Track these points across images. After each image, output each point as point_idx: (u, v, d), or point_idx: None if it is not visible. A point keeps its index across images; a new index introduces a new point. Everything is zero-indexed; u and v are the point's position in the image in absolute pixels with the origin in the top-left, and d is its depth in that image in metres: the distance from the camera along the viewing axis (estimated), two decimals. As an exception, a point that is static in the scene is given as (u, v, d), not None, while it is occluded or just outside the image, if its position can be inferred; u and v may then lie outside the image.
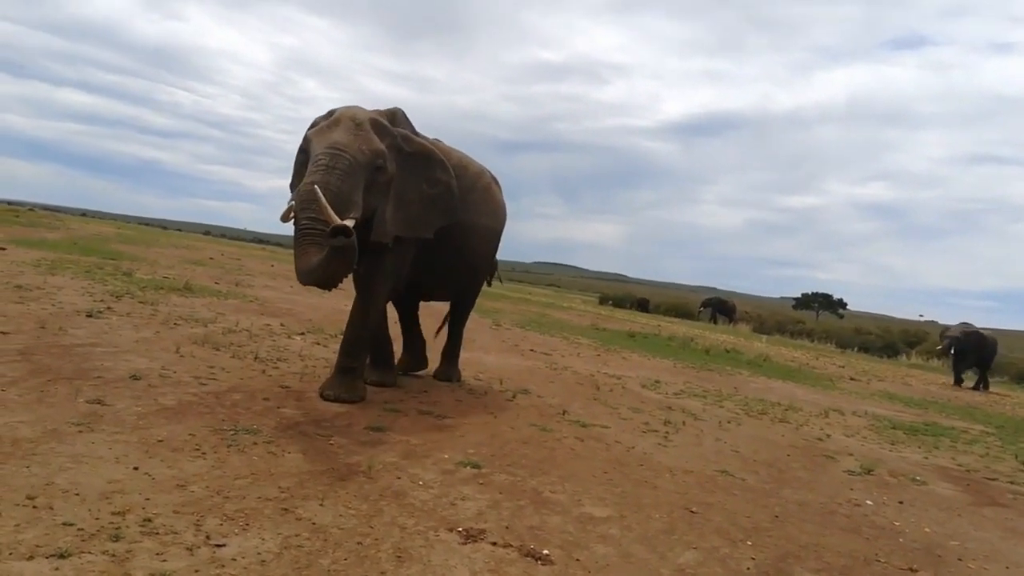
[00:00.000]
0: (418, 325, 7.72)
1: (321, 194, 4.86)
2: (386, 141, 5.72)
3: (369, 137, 5.53)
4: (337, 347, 8.18)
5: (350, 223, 4.94)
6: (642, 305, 42.60)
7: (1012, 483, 6.87)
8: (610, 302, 43.02)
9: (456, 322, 7.85)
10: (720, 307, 38.74)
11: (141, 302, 8.94)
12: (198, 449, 4.04)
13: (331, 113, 5.77)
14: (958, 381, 18.88)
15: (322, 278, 4.99)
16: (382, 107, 6.18)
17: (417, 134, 6.35)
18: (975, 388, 18.55)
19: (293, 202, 5.21)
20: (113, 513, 3.05)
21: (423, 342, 7.71)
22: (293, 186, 5.91)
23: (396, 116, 6.17)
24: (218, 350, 6.87)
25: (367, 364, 6.33)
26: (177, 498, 3.32)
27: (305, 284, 5.07)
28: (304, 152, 5.64)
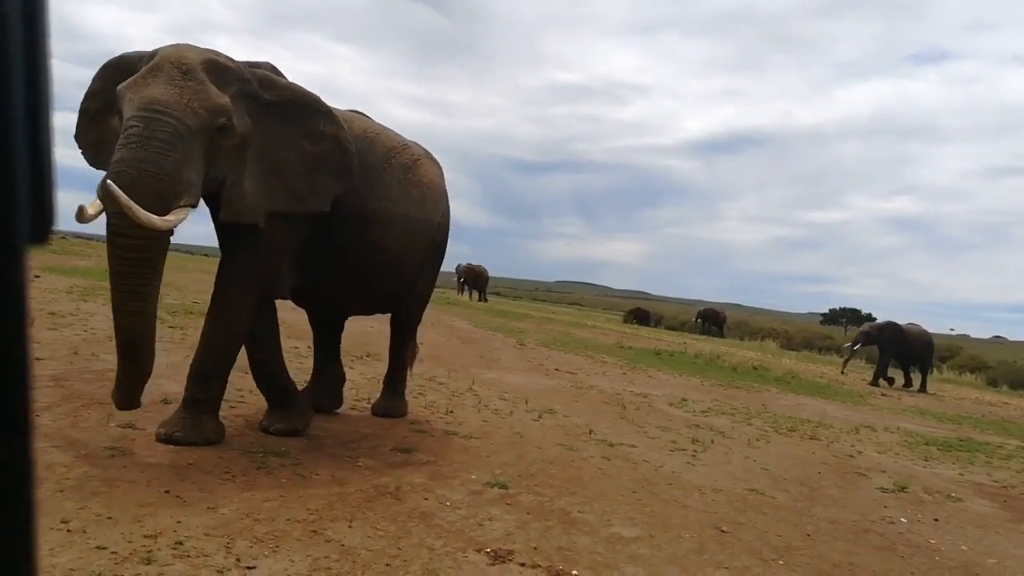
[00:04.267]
0: (336, 349, 6.41)
1: (118, 190, 3.63)
2: (231, 90, 4.25)
3: (203, 89, 4.05)
4: (363, 369, 8.26)
5: (181, 215, 3.92)
6: (640, 317, 39.37)
7: (1052, 499, 6.69)
8: (635, 320, 42.68)
9: (396, 343, 6.52)
10: (712, 318, 39.06)
11: (171, 327, 9.07)
12: (228, 472, 4.09)
13: (152, 55, 4.15)
14: (875, 381, 17.26)
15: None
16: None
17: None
18: (920, 388, 17.17)
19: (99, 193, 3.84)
20: (145, 536, 3.09)
21: (339, 373, 6.38)
22: (79, 139, 4.63)
23: (262, 66, 4.75)
24: (246, 374, 6.90)
25: (267, 409, 5.21)
26: (208, 521, 3.36)
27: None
28: (116, 110, 4.11)
